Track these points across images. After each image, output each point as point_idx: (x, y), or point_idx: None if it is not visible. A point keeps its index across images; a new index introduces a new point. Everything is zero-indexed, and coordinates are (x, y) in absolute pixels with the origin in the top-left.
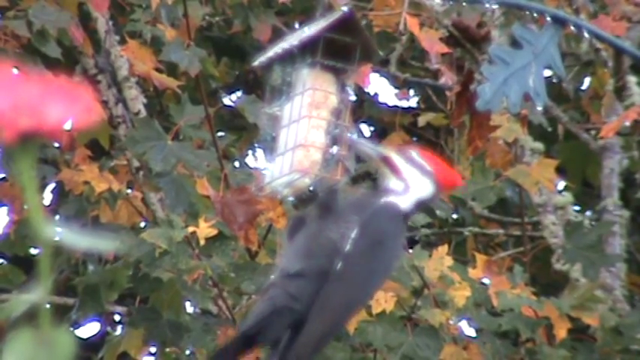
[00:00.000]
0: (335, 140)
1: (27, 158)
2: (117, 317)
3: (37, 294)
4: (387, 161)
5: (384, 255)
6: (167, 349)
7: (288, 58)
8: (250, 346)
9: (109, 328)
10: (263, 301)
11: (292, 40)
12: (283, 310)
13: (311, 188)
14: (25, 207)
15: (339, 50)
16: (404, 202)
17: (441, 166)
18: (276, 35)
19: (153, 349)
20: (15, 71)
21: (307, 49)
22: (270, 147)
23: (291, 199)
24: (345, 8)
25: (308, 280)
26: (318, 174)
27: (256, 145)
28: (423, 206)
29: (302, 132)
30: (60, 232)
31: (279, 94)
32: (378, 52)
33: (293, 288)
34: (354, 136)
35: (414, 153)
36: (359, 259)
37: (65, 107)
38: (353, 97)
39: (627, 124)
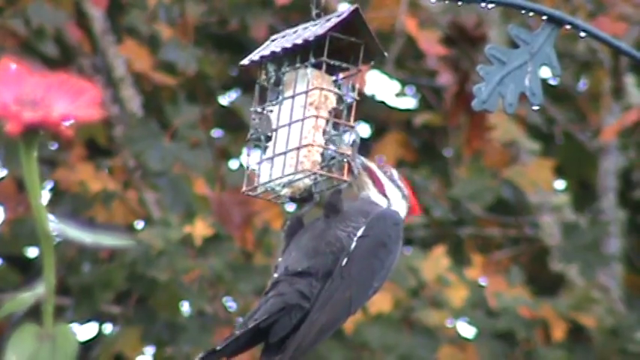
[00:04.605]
0: (337, 141)
1: (30, 150)
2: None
3: (41, 289)
4: (370, 173)
5: (386, 257)
6: (163, 349)
7: (285, 57)
8: (257, 341)
9: (111, 327)
10: (273, 297)
11: (293, 39)
12: (294, 308)
13: (309, 189)
14: (19, 208)
15: (339, 49)
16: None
17: (410, 190)
18: (273, 33)
19: (148, 349)
20: (19, 66)
21: (310, 48)
22: (261, 146)
23: (286, 200)
24: (350, 7)
25: (316, 278)
26: (323, 174)
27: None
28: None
29: (303, 132)
30: (60, 228)
31: (272, 93)
32: (383, 52)
33: (303, 286)
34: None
35: (394, 172)
36: (363, 258)
37: (70, 101)
38: (357, 97)
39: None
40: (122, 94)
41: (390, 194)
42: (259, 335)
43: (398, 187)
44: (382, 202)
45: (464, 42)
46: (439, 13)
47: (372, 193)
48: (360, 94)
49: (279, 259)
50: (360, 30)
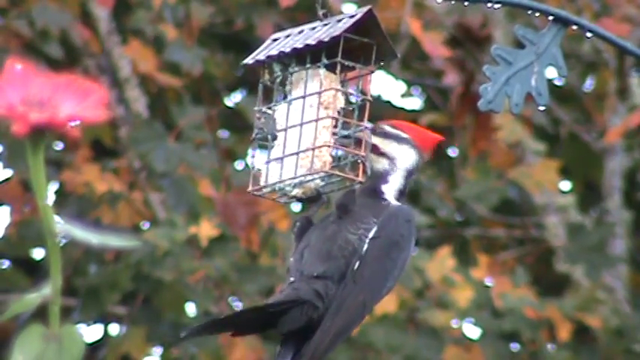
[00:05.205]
0: (350, 140)
1: (37, 151)
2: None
3: (47, 290)
4: (371, 146)
5: (399, 256)
6: (169, 350)
7: (293, 56)
8: (264, 327)
9: (117, 327)
10: (287, 289)
11: (302, 39)
12: (307, 304)
13: (320, 189)
14: (26, 209)
15: (349, 50)
16: (395, 178)
17: (414, 129)
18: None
19: (156, 350)
20: (25, 67)
21: (322, 48)
22: (267, 146)
23: (293, 200)
24: (364, 8)
25: (332, 281)
26: (338, 174)
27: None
28: (414, 174)
29: (313, 133)
30: (67, 229)
31: (278, 93)
32: (396, 53)
33: (319, 286)
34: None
35: (386, 126)
36: (375, 260)
37: (76, 101)
38: (369, 98)
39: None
40: (127, 95)
41: (388, 150)
42: (268, 324)
43: (392, 137)
44: (384, 163)
45: (469, 42)
46: (444, 13)
47: (376, 161)
48: (371, 94)
49: (291, 260)
50: (372, 31)
